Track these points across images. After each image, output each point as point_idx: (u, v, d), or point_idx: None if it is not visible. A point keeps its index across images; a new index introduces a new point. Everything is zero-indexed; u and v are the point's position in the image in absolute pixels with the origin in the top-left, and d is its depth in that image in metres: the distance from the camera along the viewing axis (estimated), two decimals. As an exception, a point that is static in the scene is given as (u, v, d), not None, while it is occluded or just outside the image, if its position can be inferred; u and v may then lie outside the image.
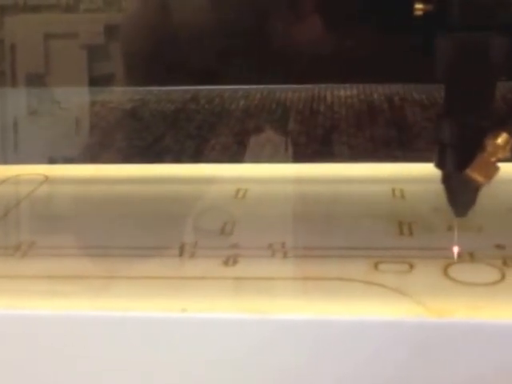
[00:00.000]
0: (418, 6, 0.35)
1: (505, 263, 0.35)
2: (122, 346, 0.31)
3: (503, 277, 0.34)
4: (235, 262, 0.35)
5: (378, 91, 0.61)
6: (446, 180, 0.37)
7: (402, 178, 0.45)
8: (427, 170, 0.46)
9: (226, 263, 0.35)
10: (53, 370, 0.31)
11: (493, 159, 0.34)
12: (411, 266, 0.35)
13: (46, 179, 0.44)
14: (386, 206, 0.41)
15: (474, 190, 0.36)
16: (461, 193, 0.37)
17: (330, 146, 0.50)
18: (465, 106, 0.35)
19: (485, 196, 0.42)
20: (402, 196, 0.43)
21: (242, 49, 0.60)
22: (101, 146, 0.50)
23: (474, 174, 0.35)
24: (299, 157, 0.48)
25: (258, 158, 0.48)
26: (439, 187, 0.44)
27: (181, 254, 0.35)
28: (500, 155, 0.34)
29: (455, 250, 0.36)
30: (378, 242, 0.37)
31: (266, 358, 0.31)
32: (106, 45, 0.61)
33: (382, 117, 0.55)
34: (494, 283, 0.33)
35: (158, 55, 0.60)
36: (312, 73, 0.61)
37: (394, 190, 0.43)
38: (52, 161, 0.47)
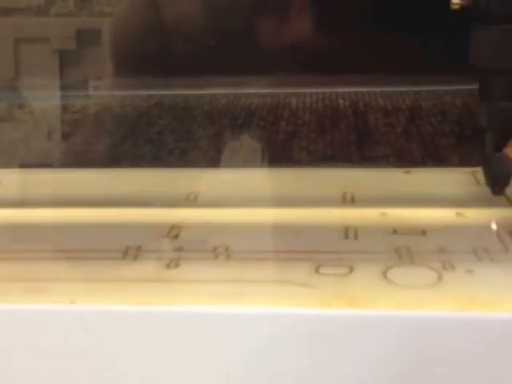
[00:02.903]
0: (455, 0, 0.38)
1: (444, 266, 0.35)
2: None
3: (439, 279, 0.34)
4: (177, 265, 0.35)
5: (344, 97, 0.61)
6: (484, 162, 0.40)
7: (355, 183, 0.46)
8: (380, 175, 0.47)
9: (168, 266, 0.35)
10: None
11: None
12: (351, 269, 0.35)
13: (-1, 183, 0.45)
14: (334, 211, 0.42)
15: (509, 170, 0.39)
16: (497, 173, 0.39)
17: (288, 151, 0.51)
18: (501, 92, 0.38)
19: (432, 199, 0.43)
20: (352, 200, 0.43)
21: (210, 53, 0.61)
22: (60, 151, 0.51)
23: (508, 155, 0.38)
24: (257, 162, 0.49)
25: (215, 163, 0.48)
26: (389, 192, 0.45)
27: (124, 257, 0.36)
28: None
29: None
30: (322, 246, 0.38)
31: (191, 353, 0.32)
32: (78, 49, 0.62)
33: (343, 122, 0.56)
34: (429, 286, 0.34)
35: (126, 60, 0.60)
36: (279, 78, 0.62)
37: (344, 195, 0.44)
38: (9, 165, 0.48)
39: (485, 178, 0.41)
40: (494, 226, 0.40)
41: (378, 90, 0.61)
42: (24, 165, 0.48)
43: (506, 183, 0.40)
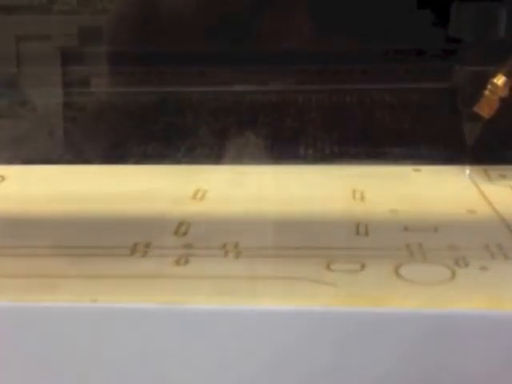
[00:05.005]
0: None
1: (456, 263, 0.35)
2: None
3: (453, 276, 0.34)
4: (186, 262, 0.35)
5: (351, 93, 0.61)
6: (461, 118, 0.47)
7: (365, 180, 0.45)
8: (389, 171, 0.47)
9: (177, 263, 0.35)
10: None
11: (494, 97, 0.44)
12: (363, 266, 0.35)
13: (3, 179, 0.45)
14: (344, 208, 0.41)
15: (480, 122, 0.45)
16: (471, 126, 0.46)
17: (295, 148, 0.50)
18: (475, 58, 0.45)
19: (443, 197, 0.42)
20: (362, 198, 0.43)
21: (213, 50, 0.60)
22: (63, 147, 0.50)
23: (479, 109, 0.44)
24: (264, 159, 0.48)
25: (221, 160, 0.48)
26: (399, 189, 0.44)
27: (132, 254, 0.35)
28: (500, 93, 0.43)
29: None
30: (333, 243, 0.37)
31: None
32: (80, 47, 0.61)
33: (350, 119, 0.55)
34: (443, 282, 0.33)
35: (127, 56, 0.60)
36: (286, 75, 0.61)
37: (354, 192, 0.43)
38: (12, 161, 0.47)
39: (464, 129, 0.46)
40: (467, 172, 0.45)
41: (384, 86, 0.61)
42: (29, 161, 0.47)
43: (477, 134, 0.46)
